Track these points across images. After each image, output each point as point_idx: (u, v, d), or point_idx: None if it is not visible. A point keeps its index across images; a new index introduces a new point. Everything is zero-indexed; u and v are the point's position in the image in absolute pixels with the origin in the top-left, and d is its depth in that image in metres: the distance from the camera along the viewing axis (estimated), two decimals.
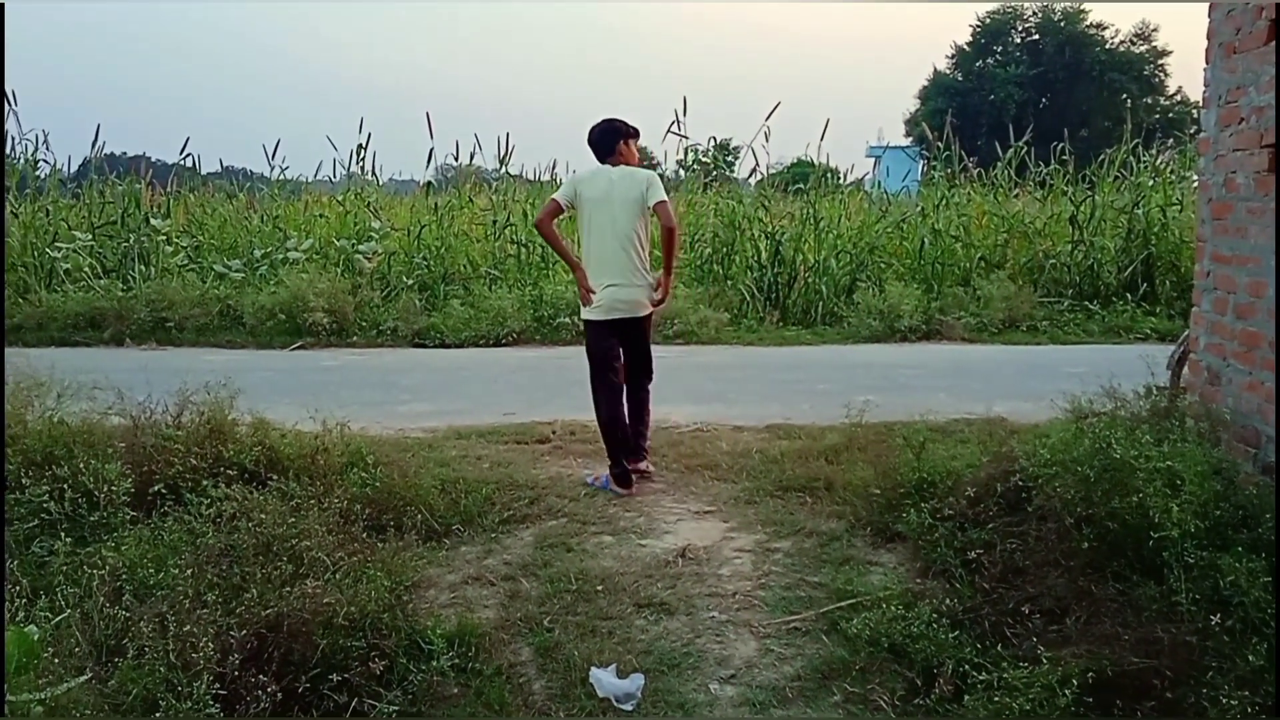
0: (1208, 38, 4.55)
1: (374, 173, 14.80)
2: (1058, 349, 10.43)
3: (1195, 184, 13.15)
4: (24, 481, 4.02)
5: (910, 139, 39.37)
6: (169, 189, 14.60)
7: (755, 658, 3.44)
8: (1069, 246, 12.70)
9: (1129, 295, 12.08)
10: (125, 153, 17.41)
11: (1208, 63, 4.56)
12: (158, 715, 2.67)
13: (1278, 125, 3.87)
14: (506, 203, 13.43)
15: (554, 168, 15.68)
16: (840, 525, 4.56)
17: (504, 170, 14.38)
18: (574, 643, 3.49)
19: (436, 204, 13.44)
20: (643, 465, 5.48)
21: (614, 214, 5.30)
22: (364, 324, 10.90)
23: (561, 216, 5.42)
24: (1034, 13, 47.87)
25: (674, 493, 5.19)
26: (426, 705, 3.11)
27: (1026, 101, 44.32)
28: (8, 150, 13.15)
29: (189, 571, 3.29)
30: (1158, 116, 43.46)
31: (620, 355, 5.49)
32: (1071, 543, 3.43)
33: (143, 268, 12.19)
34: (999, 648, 3.17)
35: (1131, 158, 13.93)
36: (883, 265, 13.02)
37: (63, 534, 3.66)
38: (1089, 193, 13.24)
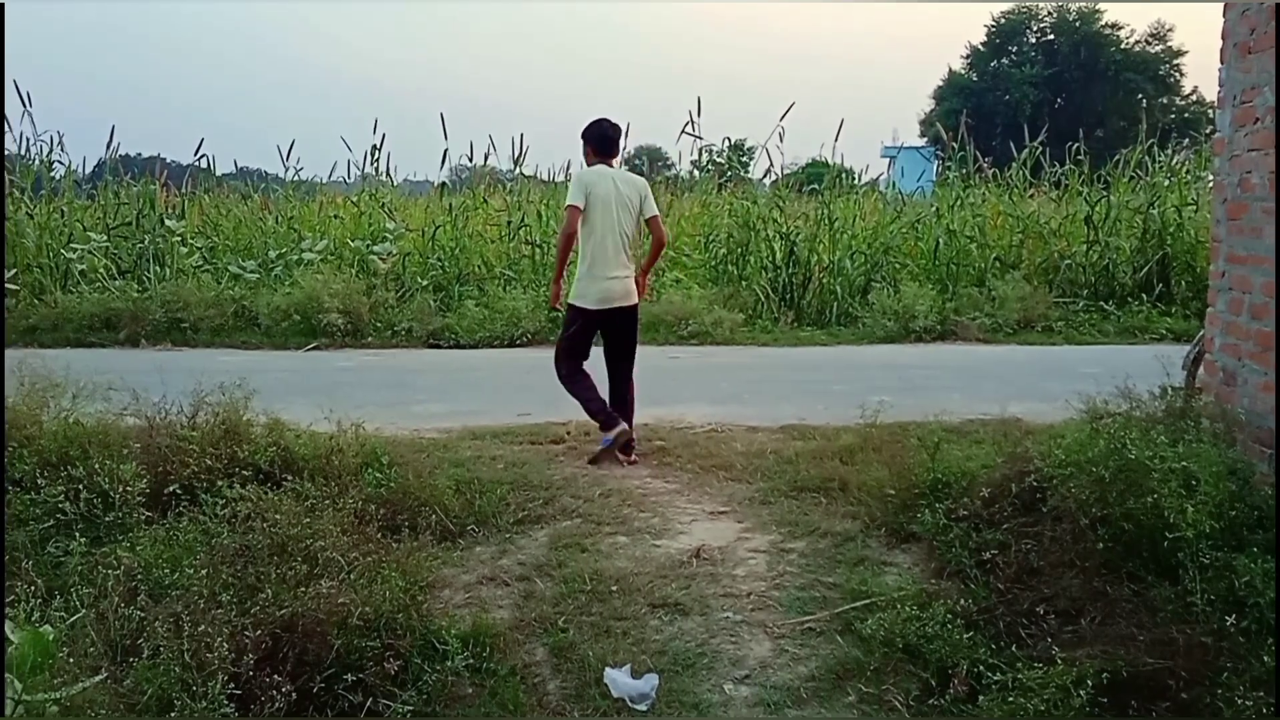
0: (1223, 37, 4.53)
1: (388, 173, 14.84)
2: (1073, 349, 10.38)
3: (1210, 184, 13.15)
4: (40, 482, 4.06)
5: (925, 139, 39.28)
6: (184, 190, 14.65)
7: (770, 658, 3.43)
8: (1084, 247, 12.64)
9: (1144, 295, 12.01)
10: (140, 154, 17.52)
11: (1223, 62, 4.53)
12: (173, 715, 2.69)
13: (1278, 127, 3.87)
14: (521, 203, 13.44)
15: (568, 168, 15.66)
16: (855, 526, 4.55)
17: (518, 171, 14.39)
18: (589, 643, 3.49)
19: (451, 205, 13.45)
20: (630, 458, 5.77)
21: (616, 214, 5.69)
22: (379, 325, 10.93)
23: None
24: (1049, 13, 47.67)
25: (689, 493, 5.19)
26: (441, 705, 3.12)
27: (1041, 101, 44.14)
28: (23, 151, 13.25)
29: (204, 571, 3.31)
30: (1173, 116, 43.18)
31: (588, 345, 5.96)
32: (1086, 543, 3.42)
33: (158, 269, 12.25)
34: (1014, 648, 3.16)
35: (1147, 158, 13.85)
36: (898, 266, 12.98)
37: (78, 534, 3.69)
38: (1104, 193, 13.16)
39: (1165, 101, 45.82)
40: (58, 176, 13.76)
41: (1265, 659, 2.75)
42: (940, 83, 48.70)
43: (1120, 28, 46.85)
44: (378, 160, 14.30)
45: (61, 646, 2.48)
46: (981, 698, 2.97)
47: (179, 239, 12.71)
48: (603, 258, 5.67)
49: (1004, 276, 12.25)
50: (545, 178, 15.45)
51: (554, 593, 3.92)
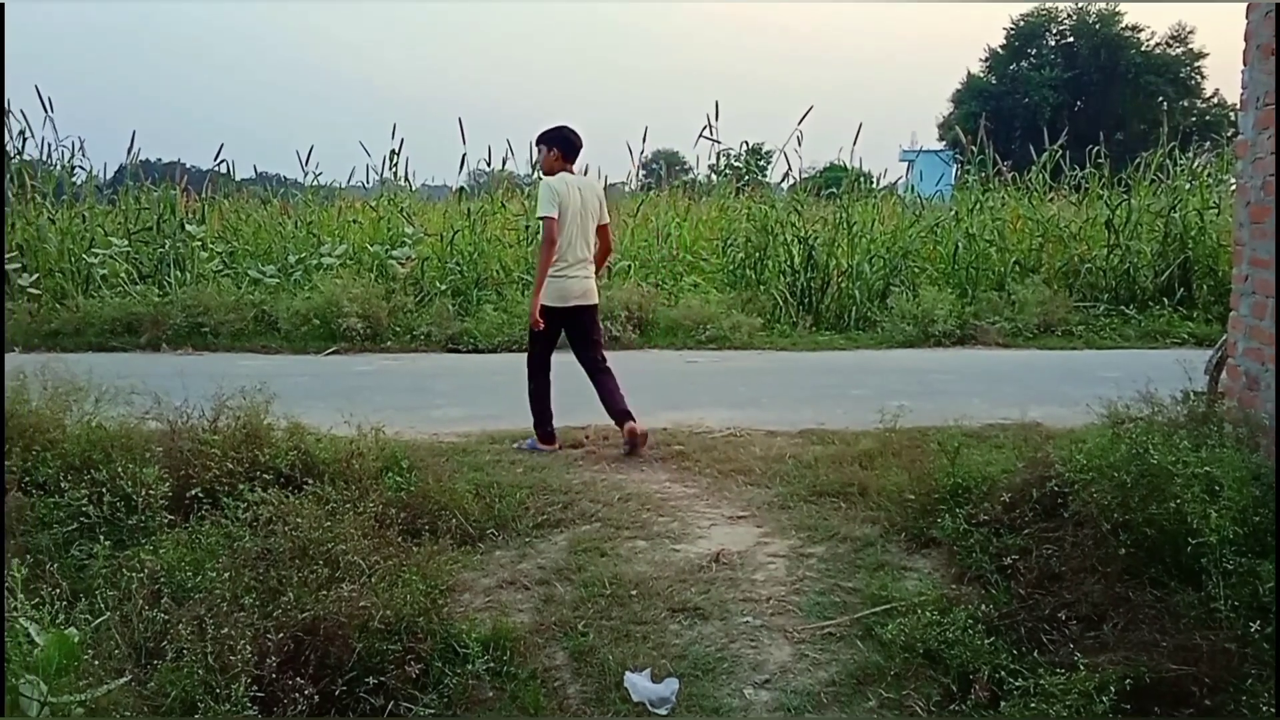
0: (1245, 39, 4.50)
1: (407, 178, 14.91)
2: (1093, 354, 10.32)
3: (1233, 187, 13.05)
4: (63, 485, 4.09)
5: (943, 143, 39.17)
6: (204, 195, 14.78)
7: (790, 663, 3.43)
8: (1105, 250, 12.57)
9: (1166, 299, 11.92)
10: (160, 159, 17.67)
11: (1245, 65, 4.50)
12: (196, 717, 2.71)
13: (1278, 128, 3.84)
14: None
15: (585, 173, 15.69)
16: (875, 530, 4.53)
17: (536, 175, 14.41)
18: (608, 647, 3.49)
19: (469, 209, 13.50)
20: (635, 425, 6.02)
21: (580, 219, 6.05)
22: (398, 329, 10.97)
23: None
24: (1068, 15, 47.45)
25: (707, 497, 5.18)
26: (462, 709, 3.13)
27: (1061, 104, 43.93)
28: (45, 157, 13.39)
29: (226, 575, 3.33)
30: (1194, 119, 42.87)
31: (553, 342, 6.29)
32: (1108, 549, 3.40)
33: (178, 273, 12.35)
34: (1035, 654, 3.14)
35: (1168, 161, 13.76)
36: (916, 270, 12.94)
37: (102, 537, 3.71)
38: (1125, 196, 13.08)
39: (1186, 104, 45.47)
40: (79, 182, 13.90)
41: None
42: (959, 86, 48.60)
43: (1140, 30, 46.62)
44: (396, 165, 14.39)
45: (87, 649, 2.50)
46: (1003, 704, 2.96)
47: (199, 244, 12.81)
48: (565, 260, 5.99)
49: (1024, 280, 12.19)
50: None
51: (573, 597, 3.92)
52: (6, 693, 2.23)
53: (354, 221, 14.13)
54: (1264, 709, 2.63)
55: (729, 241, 13.38)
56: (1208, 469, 3.34)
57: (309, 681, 2.93)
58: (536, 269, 6.11)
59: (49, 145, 13.58)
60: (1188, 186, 13.24)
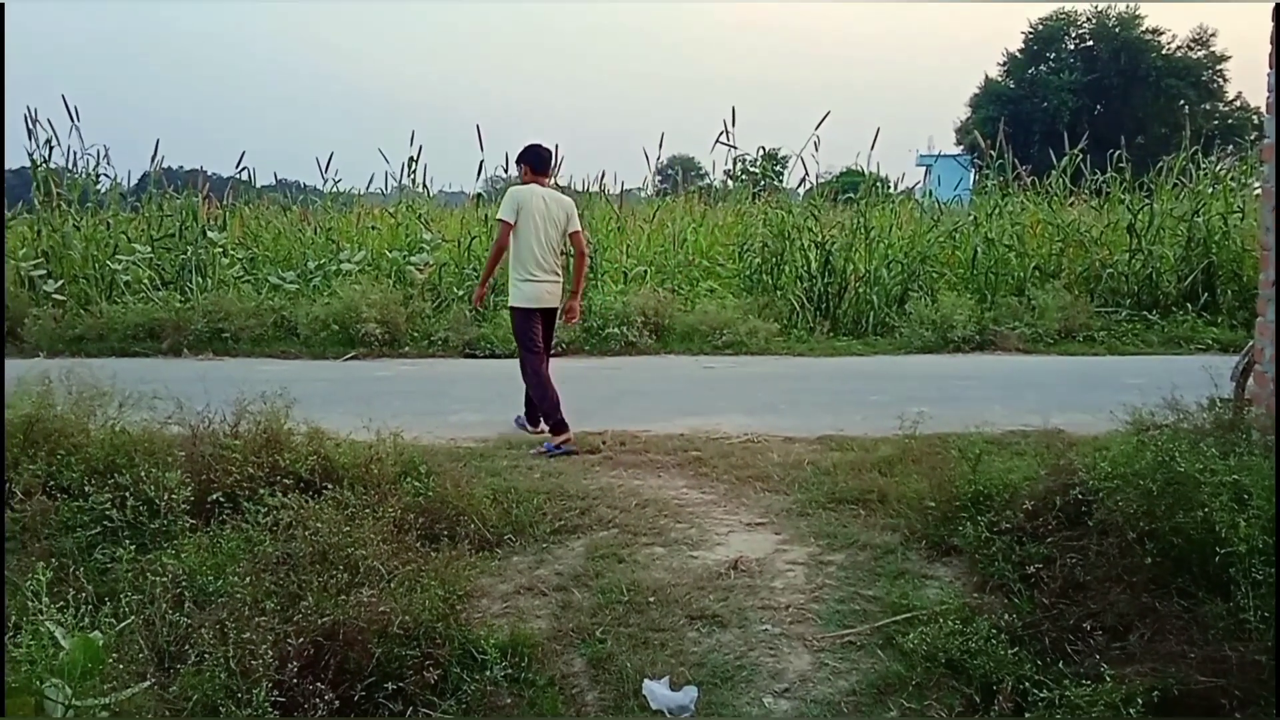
0: (1271, 42, 4.44)
1: (425, 185, 14.97)
2: (1116, 360, 10.25)
3: (1257, 191, 12.93)
4: (87, 489, 4.11)
5: (961, 147, 38.99)
6: (225, 202, 14.89)
7: (809, 672, 3.40)
8: (1126, 255, 12.48)
9: (1189, 305, 11.82)
10: (183, 167, 17.78)
11: (1271, 67, 4.45)
12: None
13: (1277, 129, 3.79)
14: None
15: (601, 178, 15.76)
16: (895, 538, 4.50)
17: (552, 181, 14.43)
18: (626, 654, 3.48)
19: (486, 215, 13.53)
20: (539, 430, 6.54)
21: (544, 227, 6.47)
22: (416, 334, 11.00)
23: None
24: (1088, 19, 47.18)
25: (725, 504, 5.17)
26: (480, 715, 3.13)
27: (1080, 109, 43.67)
28: (70, 165, 13.51)
29: (247, 579, 3.34)
30: (1216, 123, 42.52)
31: (540, 334, 6.63)
32: (1134, 558, 3.36)
33: (200, 279, 12.43)
34: (1060, 665, 3.11)
35: (1190, 165, 13.65)
36: (935, 275, 12.88)
37: (125, 541, 3.74)
38: (1147, 201, 12.98)
39: (1208, 108, 45.15)
40: (104, 189, 14.03)
41: None
42: (976, 90, 48.36)
43: (1161, 33, 46.28)
44: (415, 172, 14.45)
45: (111, 652, 2.51)
46: (1027, 715, 2.93)
47: (220, 250, 12.90)
48: (530, 264, 6.48)
49: (1044, 286, 12.11)
50: (580, 188, 15.50)
51: (591, 603, 3.91)
52: (31, 695, 2.24)
53: (373, 228, 14.20)
54: None
55: (745, 247, 13.36)
56: (1236, 477, 3.30)
57: (329, 686, 2.93)
58: (486, 262, 6.90)
59: (74, 154, 13.68)
60: (1211, 191, 13.12)
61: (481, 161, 13.90)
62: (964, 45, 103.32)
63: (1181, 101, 42.24)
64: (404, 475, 4.66)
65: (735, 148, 14.19)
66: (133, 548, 3.64)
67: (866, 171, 14.14)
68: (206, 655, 2.90)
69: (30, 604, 2.68)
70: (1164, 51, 46.05)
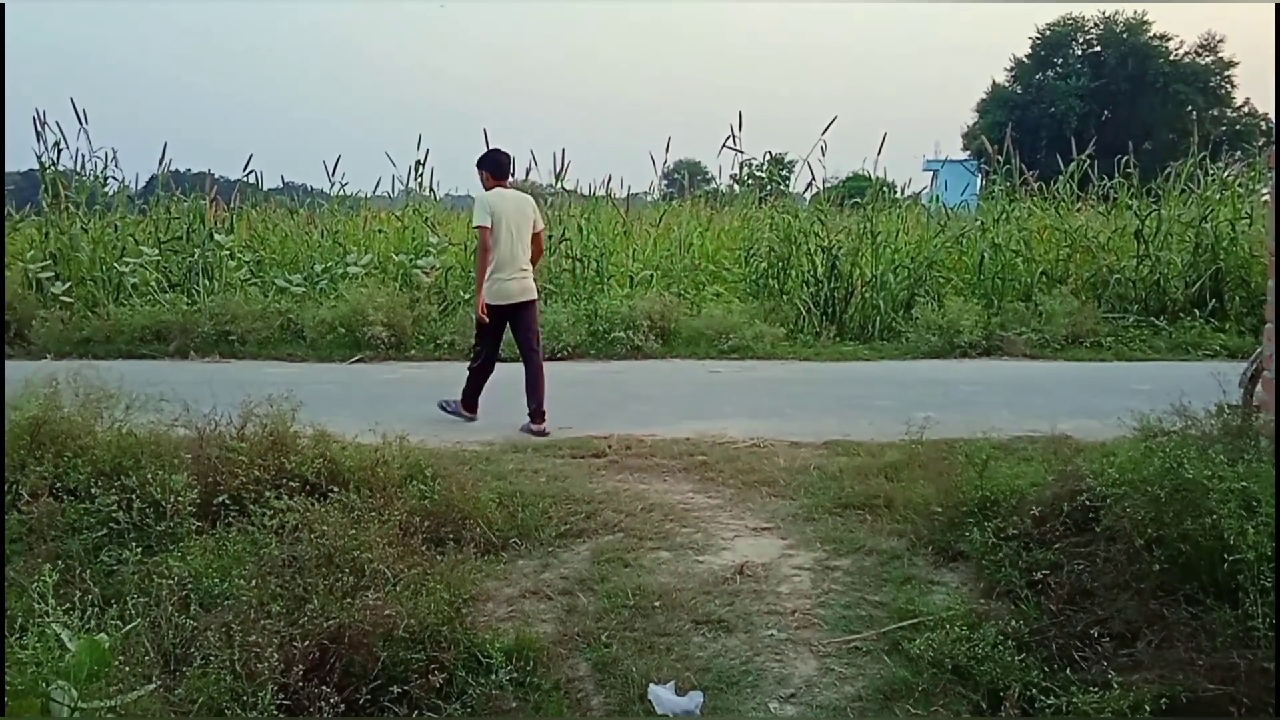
0: (1276, 42, 4.42)
1: (431, 188, 14.98)
2: (1123, 366, 10.22)
3: (1265, 197, 12.89)
4: (94, 491, 4.12)
5: (968, 153, 38.96)
6: (232, 205, 14.92)
7: (815, 677, 3.39)
8: (1134, 261, 12.44)
9: (1197, 311, 11.78)
10: (190, 169, 17.83)
11: (1277, 68, 4.42)
12: None
13: (1277, 130, 3.76)
14: (562, 218, 13.50)
15: (608, 182, 15.74)
16: (901, 544, 4.50)
17: (559, 185, 14.46)
18: (632, 659, 3.48)
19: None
20: (543, 426, 6.92)
21: (514, 228, 6.95)
22: (422, 338, 11.02)
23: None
24: (1095, 24, 47.14)
25: (731, 508, 5.16)
26: (485, 719, 3.12)
27: (1088, 114, 43.61)
28: (79, 168, 13.55)
29: (253, 582, 3.34)
30: (1224, 129, 42.46)
31: (500, 333, 7.18)
32: (1142, 565, 3.35)
33: (207, 282, 12.46)
34: (1067, 671, 3.10)
35: (1198, 170, 13.61)
36: (941, 280, 12.86)
37: (131, 543, 3.74)
38: (1154, 206, 12.95)
39: (1216, 113, 45.07)
40: (111, 192, 14.05)
41: None
42: (984, 95, 48.37)
43: (1169, 39, 46.25)
44: (421, 175, 14.48)
45: (117, 655, 2.50)
46: None
47: (227, 253, 12.93)
48: (504, 264, 6.91)
49: (1051, 291, 12.08)
50: (586, 192, 15.52)
51: (597, 607, 3.90)
52: (37, 697, 2.24)
53: (379, 231, 14.22)
54: None
55: (752, 251, 13.36)
56: (1244, 484, 3.28)
57: (334, 689, 2.93)
58: (476, 271, 7.18)
59: (83, 156, 13.71)
60: (1219, 196, 13.07)
61: None
62: (971, 51, 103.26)
63: (1189, 107, 42.13)
64: (410, 479, 4.66)
65: (742, 152, 14.19)
66: (139, 550, 3.64)
67: (873, 176, 14.12)
68: (212, 658, 2.90)
69: (36, 606, 2.68)
70: (1172, 57, 46.00)
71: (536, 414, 6.97)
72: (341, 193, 15.28)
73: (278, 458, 4.48)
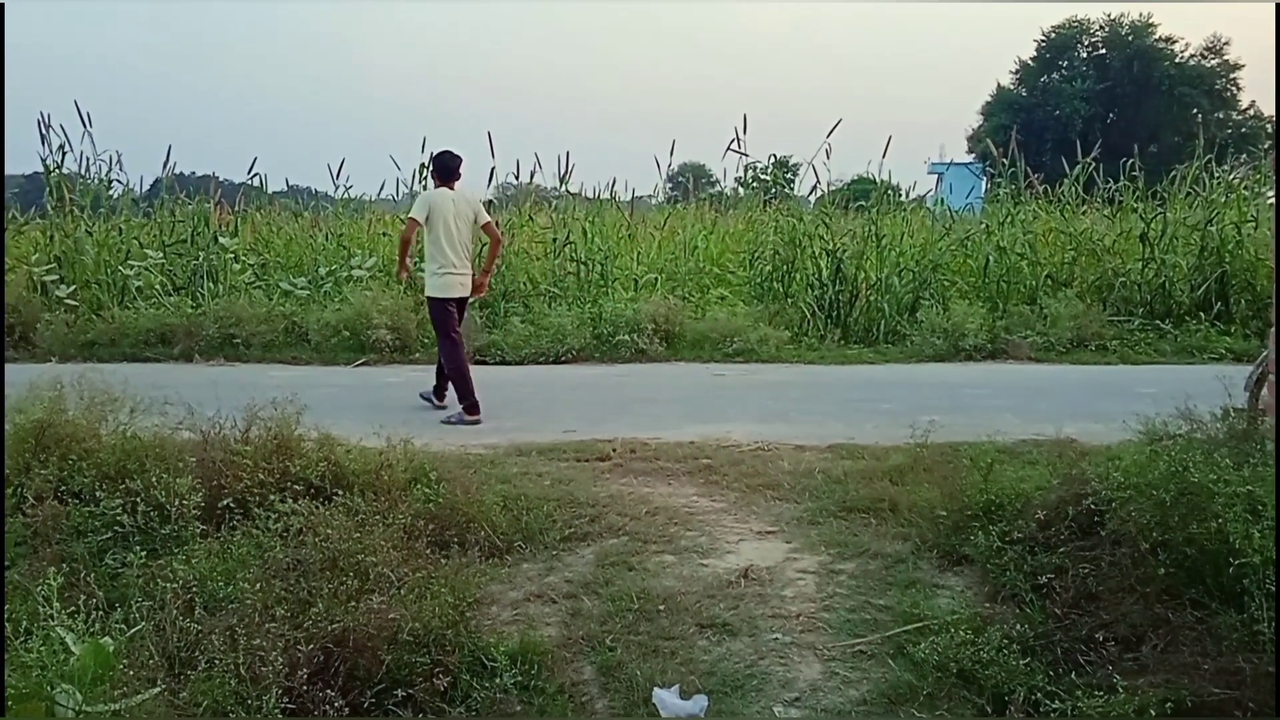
0: (1276, 41, 4.40)
1: None
2: (1128, 369, 10.19)
3: (1270, 200, 12.87)
4: (99, 494, 4.13)
5: (973, 155, 38.93)
6: (236, 208, 14.94)
7: (820, 681, 3.39)
8: (1139, 264, 12.41)
9: (1202, 314, 11.74)
10: (195, 172, 17.88)
11: (1276, 67, 4.41)
12: None
13: (1277, 132, 3.75)
14: (566, 221, 13.51)
15: (613, 185, 15.76)
16: (906, 547, 4.49)
17: (564, 188, 14.47)
18: (636, 662, 3.48)
19: (497, 222, 13.53)
20: (442, 404, 7.72)
21: (456, 225, 7.42)
22: (426, 341, 10.99)
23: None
24: (1100, 27, 47.06)
25: (736, 512, 5.15)
26: None
27: (1093, 117, 43.50)
28: (83, 171, 13.58)
29: (258, 585, 3.34)
30: (1230, 131, 42.32)
31: (457, 321, 7.58)
32: (1147, 568, 3.34)
33: (211, 285, 12.48)
34: (1072, 675, 3.10)
35: (1204, 173, 13.58)
36: (946, 283, 12.85)
37: (136, 546, 3.74)
38: (1160, 209, 12.92)
39: (1221, 116, 44.90)
40: (116, 195, 14.08)
41: None
42: (989, 98, 48.24)
43: (1174, 41, 46.09)
44: (425, 178, 14.45)
45: (121, 658, 2.51)
46: None
47: (232, 256, 12.96)
48: (444, 259, 7.39)
49: (1056, 294, 12.07)
50: (590, 195, 15.53)
51: (601, 611, 3.90)
52: (42, 700, 2.24)
53: (384, 234, 14.22)
54: None
55: (756, 254, 13.35)
56: (1250, 487, 3.28)
57: (338, 693, 2.94)
58: (398, 257, 8.00)
59: (88, 159, 13.74)
60: (1224, 199, 13.04)
61: (493, 168, 13.90)
62: (976, 53, 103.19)
63: (1195, 110, 42.01)
64: (414, 482, 4.66)
65: (746, 155, 14.19)
66: (143, 553, 3.64)
67: (878, 179, 14.11)
68: (217, 661, 2.90)
69: (41, 609, 2.69)
70: (1177, 60, 45.86)
71: (438, 392, 7.89)
72: (346, 195, 15.28)
73: (282, 461, 4.48)
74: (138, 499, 4.06)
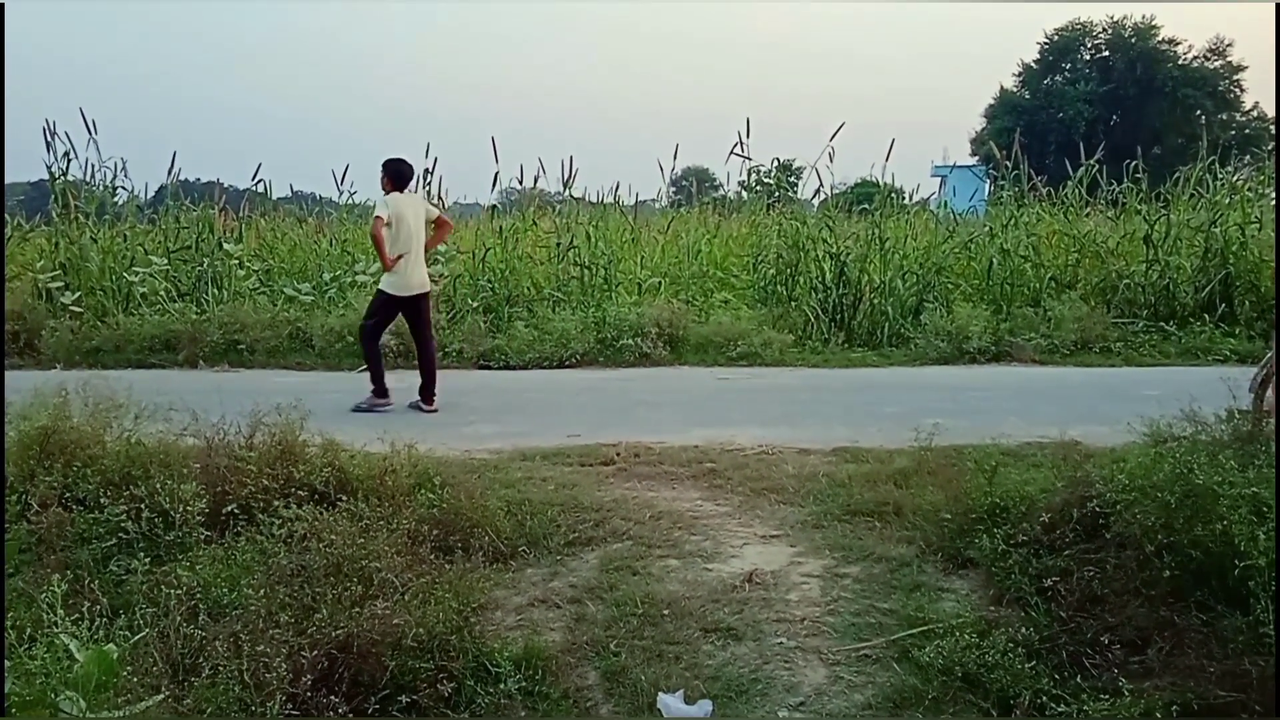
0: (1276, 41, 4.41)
1: (440, 197, 14.99)
2: (1132, 371, 10.17)
3: (1275, 201, 12.85)
4: (103, 501, 4.14)
5: (977, 158, 38.90)
6: (241, 214, 14.95)
7: (825, 685, 3.39)
8: (1143, 266, 12.38)
9: (1207, 316, 11.71)
10: (199, 179, 17.90)
11: (1276, 66, 4.41)
12: None
13: (1277, 133, 3.74)
14: (570, 225, 13.50)
15: (616, 189, 15.74)
16: (910, 551, 4.48)
17: (568, 193, 14.47)
18: (641, 667, 3.47)
19: (501, 227, 13.56)
20: (433, 407, 8.04)
21: (414, 226, 7.98)
22: None
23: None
24: (1103, 29, 47.04)
25: (740, 516, 5.15)
26: None
27: (1096, 119, 43.47)
28: (88, 177, 13.62)
29: (262, 591, 3.35)
30: (1234, 133, 42.28)
31: (390, 321, 8.40)
32: (1152, 571, 3.34)
33: (216, 291, 12.49)
34: (1078, 678, 3.09)
35: (1207, 175, 13.55)
36: (950, 286, 12.82)
37: (140, 553, 3.75)
38: (1164, 211, 12.89)
39: (1225, 118, 44.89)
40: (121, 202, 14.11)
41: None
42: (992, 101, 48.24)
43: (1178, 43, 46.08)
44: (430, 184, 14.48)
45: (125, 665, 2.51)
46: None
47: (236, 262, 12.96)
48: (407, 255, 7.86)
49: (1060, 297, 12.04)
50: (594, 199, 15.54)
51: (605, 616, 3.90)
52: (46, 707, 2.25)
53: None
54: None
55: (760, 258, 13.34)
56: (1255, 489, 3.27)
57: (343, 699, 2.94)
58: (377, 251, 8.03)
59: (92, 166, 13.78)
60: (1228, 201, 13.02)
61: (496, 173, 13.92)
62: (979, 56, 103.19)
63: (1198, 111, 42.01)
64: (418, 487, 4.66)
65: (749, 159, 14.18)
66: (148, 560, 3.65)
67: (881, 182, 14.10)
68: (221, 668, 2.90)
69: (45, 616, 2.69)
70: (1180, 61, 45.83)
71: (428, 394, 8.11)
72: (350, 201, 15.30)
73: (286, 467, 4.49)
74: (142, 505, 4.07)
